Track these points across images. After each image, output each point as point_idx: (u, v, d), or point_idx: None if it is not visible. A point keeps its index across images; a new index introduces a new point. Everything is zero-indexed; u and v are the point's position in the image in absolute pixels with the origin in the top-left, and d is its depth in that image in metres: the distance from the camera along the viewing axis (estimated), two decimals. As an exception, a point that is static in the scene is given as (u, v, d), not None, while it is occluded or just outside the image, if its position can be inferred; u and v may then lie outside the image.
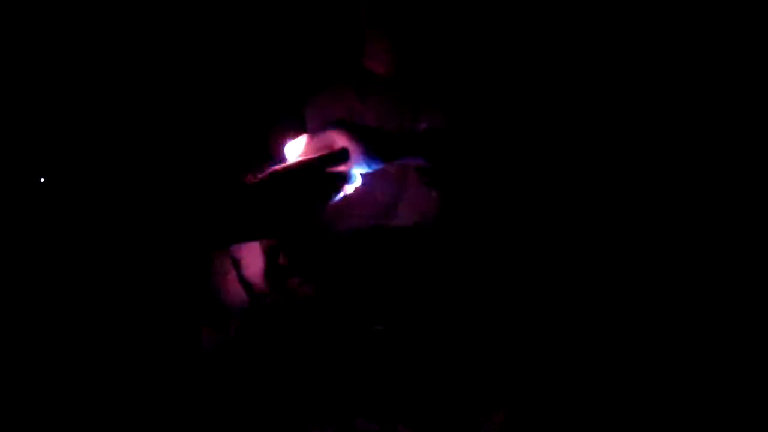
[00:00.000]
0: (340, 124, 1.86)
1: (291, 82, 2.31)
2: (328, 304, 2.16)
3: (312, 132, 1.89)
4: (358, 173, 1.88)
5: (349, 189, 1.87)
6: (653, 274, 2.24)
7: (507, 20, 2.36)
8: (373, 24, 2.17)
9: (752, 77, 2.28)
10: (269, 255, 2.18)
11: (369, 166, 1.87)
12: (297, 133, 1.95)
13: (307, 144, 1.86)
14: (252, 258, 2.20)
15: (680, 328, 2.21)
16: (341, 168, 1.83)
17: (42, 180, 2.31)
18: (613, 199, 2.31)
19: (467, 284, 2.19)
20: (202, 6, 2.45)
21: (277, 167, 1.84)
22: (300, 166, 1.82)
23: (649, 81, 2.34)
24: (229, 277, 2.21)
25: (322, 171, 1.80)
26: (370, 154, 1.82)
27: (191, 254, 2.20)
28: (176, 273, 2.24)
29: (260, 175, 1.85)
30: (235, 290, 2.20)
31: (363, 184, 1.92)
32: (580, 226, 2.28)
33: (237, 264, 2.19)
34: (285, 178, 1.76)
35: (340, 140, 1.84)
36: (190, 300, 2.23)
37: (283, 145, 2.01)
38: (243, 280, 2.19)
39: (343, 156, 1.82)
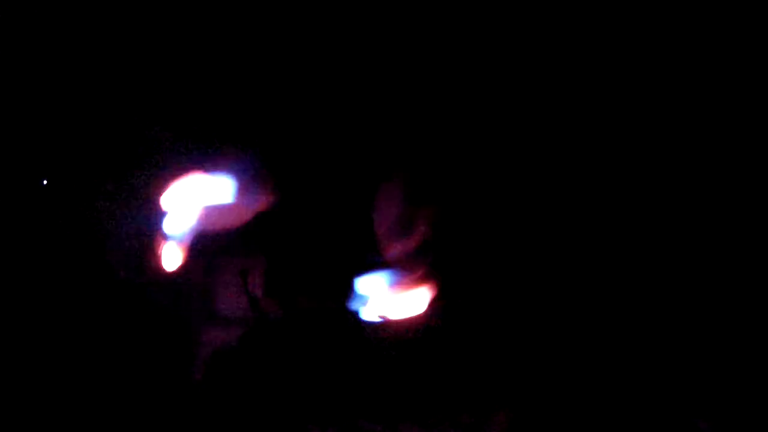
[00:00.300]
0: None
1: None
2: (329, 311, 2.16)
3: None
4: None
5: None
6: (653, 274, 2.24)
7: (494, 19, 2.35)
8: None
9: (752, 77, 2.28)
10: (268, 272, 2.19)
11: None
12: None
13: None
14: (257, 271, 2.21)
15: (680, 328, 2.20)
16: None
17: (44, 182, 2.31)
18: (611, 199, 2.31)
19: (468, 286, 2.19)
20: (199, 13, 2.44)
21: None
22: None
23: (643, 81, 2.33)
24: (232, 286, 2.21)
25: None
26: None
27: (194, 259, 2.21)
28: (180, 277, 2.25)
29: None
30: (238, 298, 2.20)
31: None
32: (580, 226, 2.28)
33: (244, 275, 2.20)
34: None
35: None
36: (192, 303, 2.23)
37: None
38: (247, 291, 2.19)
39: None
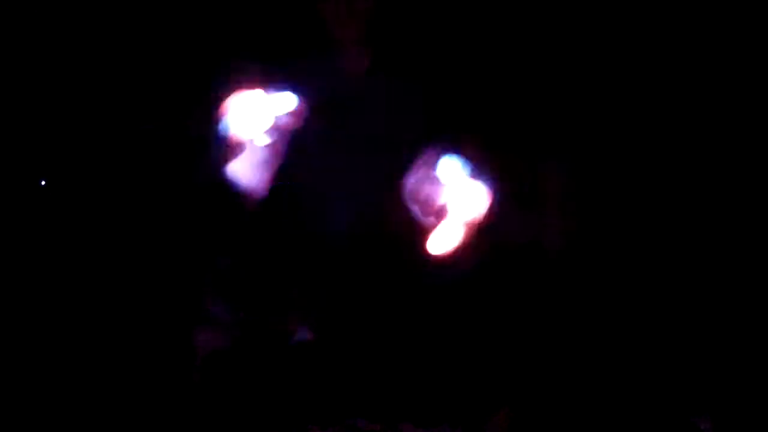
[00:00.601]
0: None
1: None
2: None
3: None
4: None
5: None
6: (654, 275, 2.24)
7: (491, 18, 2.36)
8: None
9: (752, 77, 2.28)
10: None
11: None
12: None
13: None
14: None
15: (681, 328, 2.20)
16: None
17: (43, 183, 2.31)
18: (609, 199, 2.31)
19: (468, 284, 2.19)
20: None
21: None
22: None
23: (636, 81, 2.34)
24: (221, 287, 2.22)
25: None
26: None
27: (188, 258, 2.21)
28: (174, 276, 2.25)
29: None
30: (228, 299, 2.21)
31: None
32: (580, 226, 2.28)
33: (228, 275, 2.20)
34: None
35: None
36: (188, 302, 2.23)
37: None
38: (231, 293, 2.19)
39: None
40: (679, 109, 2.31)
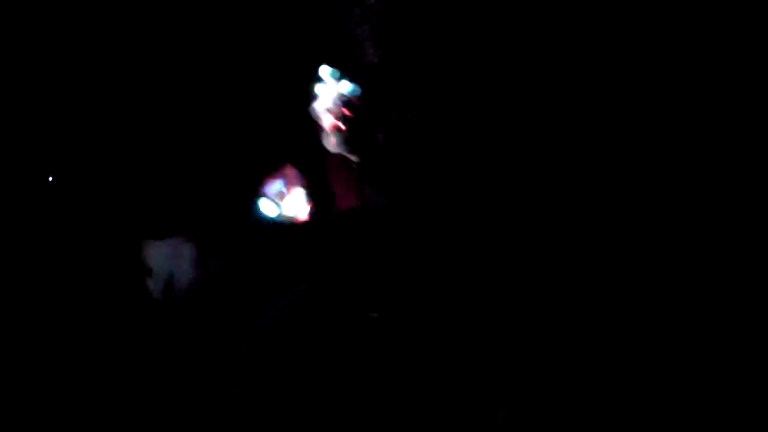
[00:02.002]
0: None
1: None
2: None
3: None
4: None
5: None
6: (653, 274, 2.24)
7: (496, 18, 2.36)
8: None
9: (752, 77, 2.28)
10: None
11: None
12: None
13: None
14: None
15: (680, 328, 2.21)
16: None
17: (50, 179, 2.32)
18: (610, 198, 2.31)
19: (469, 282, 2.19)
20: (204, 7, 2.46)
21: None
22: None
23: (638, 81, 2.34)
24: None
25: None
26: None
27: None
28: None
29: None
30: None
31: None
32: (580, 226, 2.28)
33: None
34: None
35: None
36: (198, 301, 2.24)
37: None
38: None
39: None
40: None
